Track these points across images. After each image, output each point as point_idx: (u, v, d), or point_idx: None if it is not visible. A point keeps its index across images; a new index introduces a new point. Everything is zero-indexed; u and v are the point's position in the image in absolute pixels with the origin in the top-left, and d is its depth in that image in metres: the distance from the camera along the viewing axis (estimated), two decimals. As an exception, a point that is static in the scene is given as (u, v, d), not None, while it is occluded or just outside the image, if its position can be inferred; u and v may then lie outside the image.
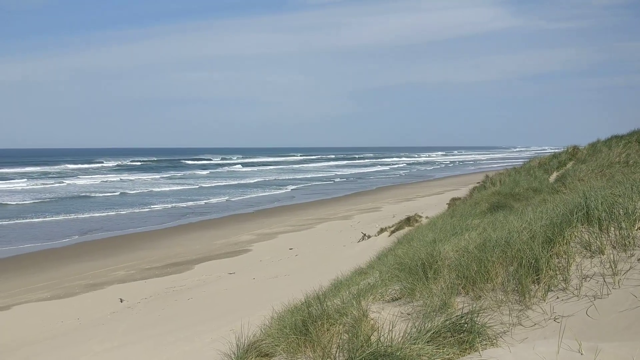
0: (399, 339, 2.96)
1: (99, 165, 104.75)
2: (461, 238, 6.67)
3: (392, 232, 18.27)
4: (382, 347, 2.82)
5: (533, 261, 3.90)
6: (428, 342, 2.95)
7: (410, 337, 2.97)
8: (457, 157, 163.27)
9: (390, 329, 3.02)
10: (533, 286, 3.79)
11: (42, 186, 57.11)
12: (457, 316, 3.18)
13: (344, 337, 3.68)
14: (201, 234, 26.89)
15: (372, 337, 3.28)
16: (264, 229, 27.63)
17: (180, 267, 19.33)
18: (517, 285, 3.87)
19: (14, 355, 10.90)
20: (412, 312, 4.18)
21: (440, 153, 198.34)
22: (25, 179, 65.49)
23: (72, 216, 33.56)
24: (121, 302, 14.93)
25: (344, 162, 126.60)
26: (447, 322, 3.11)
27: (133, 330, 11.29)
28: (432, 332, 3.02)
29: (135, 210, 36.26)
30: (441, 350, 2.91)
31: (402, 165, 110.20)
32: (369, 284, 5.95)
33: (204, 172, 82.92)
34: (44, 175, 74.47)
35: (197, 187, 56.30)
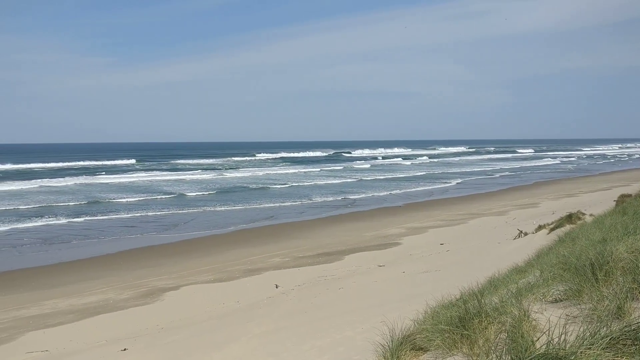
0: (569, 343, 2.72)
1: (260, 157, 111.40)
2: (637, 238, 6.03)
3: (552, 229, 17.11)
4: (554, 350, 2.61)
5: None
6: (604, 348, 2.67)
7: (584, 341, 2.71)
8: (635, 149, 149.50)
9: (563, 331, 2.78)
10: None
11: (214, 177, 62.21)
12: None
13: (503, 337, 3.49)
14: (352, 225, 27.33)
15: (536, 338, 3.06)
16: (414, 222, 27.39)
17: (331, 257, 19.80)
18: None
19: (183, 332, 11.86)
20: (578, 315, 3.85)
21: (615, 146, 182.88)
22: (200, 170, 72.22)
23: (240, 206, 36.02)
24: (276, 287, 15.64)
25: (509, 155, 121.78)
26: (627, 329, 2.80)
27: (287, 316, 11.75)
28: (609, 337, 2.73)
29: (300, 202, 37.97)
30: (621, 359, 2.62)
31: (569, 159, 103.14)
32: (528, 283, 5.60)
33: (366, 165, 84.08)
34: (214, 167, 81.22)
35: (357, 180, 57.13)
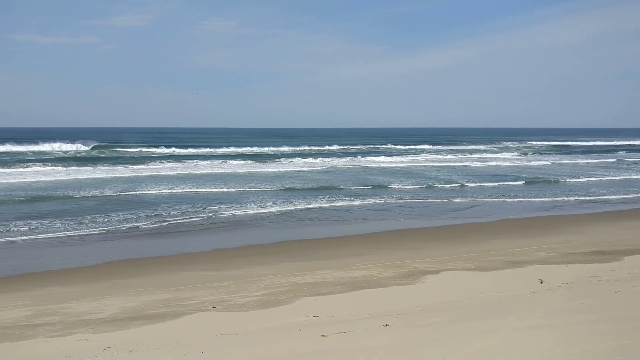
0: None
1: (530, 144, 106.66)
2: None
3: None
4: None
5: None
6: None
7: None
8: None
9: None
10: None
11: (488, 165, 60.89)
12: None
13: None
14: (635, 223, 24.38)
15: None
16: None
17: (607, 257, 17.90)
18: None
19: (442, 315, 11.95)
20: None
21: None
22: (475, 154, 74.36)
23: (512, 199, 34.97)
24: (541, 283, 14.73)
25: None
26: None
27: (553, 313, 11.00)
28: None
29: (582, 197, 34.94)
30: None
31: None
32: None
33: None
34: (482, 152, 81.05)
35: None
